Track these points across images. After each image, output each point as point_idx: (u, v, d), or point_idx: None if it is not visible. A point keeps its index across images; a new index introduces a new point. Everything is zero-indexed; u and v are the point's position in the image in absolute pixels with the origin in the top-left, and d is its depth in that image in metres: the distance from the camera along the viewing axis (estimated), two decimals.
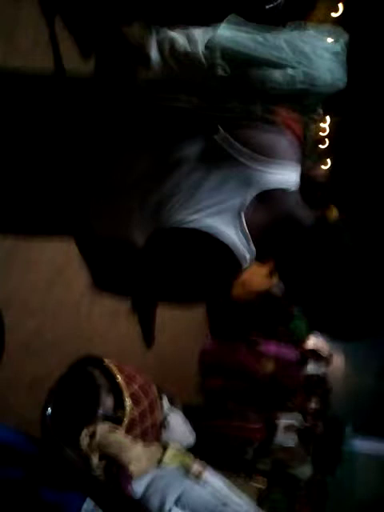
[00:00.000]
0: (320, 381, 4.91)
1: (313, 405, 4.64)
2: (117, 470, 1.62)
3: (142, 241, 0.96)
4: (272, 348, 4.51)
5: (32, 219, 1.11)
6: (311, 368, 5.04)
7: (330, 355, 5.16)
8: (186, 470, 1.93)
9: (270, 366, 4.34)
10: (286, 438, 3.96)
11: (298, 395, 4.54)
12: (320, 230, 0.95)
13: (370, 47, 5.83)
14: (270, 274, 4.39)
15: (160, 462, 1.93)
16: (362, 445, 6.76)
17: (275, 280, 4.02)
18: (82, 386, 1.82)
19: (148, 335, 3.31)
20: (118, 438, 1.72)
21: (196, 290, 1.00)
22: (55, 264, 2.16)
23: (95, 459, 1.63)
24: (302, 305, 1.02)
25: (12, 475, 1.42)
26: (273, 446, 3.93)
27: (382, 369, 7.94)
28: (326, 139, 6.40)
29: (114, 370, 1.89)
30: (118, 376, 1.88)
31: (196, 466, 1.93)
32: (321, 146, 5.85)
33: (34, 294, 2.06)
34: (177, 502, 1.63)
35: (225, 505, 1.79)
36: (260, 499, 3.48)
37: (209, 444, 3.53)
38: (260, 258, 0.98)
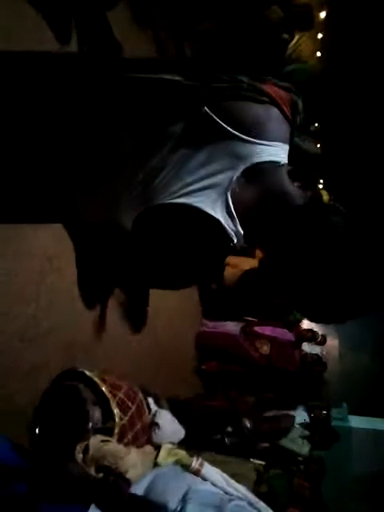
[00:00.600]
0: (315, 361, 4.95)
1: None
2: (114, 479, 1.62)
3: (131, 223, 0.93)
4: (267, 330, 4.53)
5: (20, 207, 1.09)
6: (306, 348, 5.09)
7: (324, 336, 5.21)
8: (185, 468, 1.95)
9: (265, 348, 4.37)
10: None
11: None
12: (310, 209, 0.91)
13: (356, 29, 5.83)
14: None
15: (155, 463, 1.96)
16: (358, 422, 6.87)
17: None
18: (68, 401, 1.79)
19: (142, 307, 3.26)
20: (111, 448, 1.72)
21: (187, 270, 0.97)
22: (48, 252, 2.16)
23: (92, 472, 1.64)
24: (288, 288, 0.97)
25: (18, 491, 1.40)
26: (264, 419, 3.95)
27: (376, 348, 8.03)
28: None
29: (98, 380, 1.89)
30: (103, 386, 1.87)
31: (194, 464, 1.96)
32: (313, 125, 5.81)
33: (28, 283, 2.06)
34: (184, 499, 1.62)
35: (229, 495, 1.82)
36: (259, 478, 3.49)
37: (205, 427, 3.58)
38: (247, 240, 0.94)
